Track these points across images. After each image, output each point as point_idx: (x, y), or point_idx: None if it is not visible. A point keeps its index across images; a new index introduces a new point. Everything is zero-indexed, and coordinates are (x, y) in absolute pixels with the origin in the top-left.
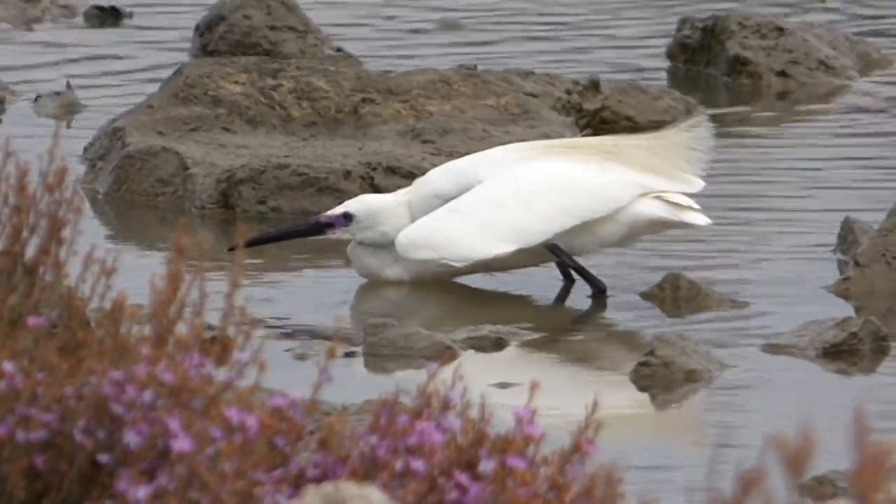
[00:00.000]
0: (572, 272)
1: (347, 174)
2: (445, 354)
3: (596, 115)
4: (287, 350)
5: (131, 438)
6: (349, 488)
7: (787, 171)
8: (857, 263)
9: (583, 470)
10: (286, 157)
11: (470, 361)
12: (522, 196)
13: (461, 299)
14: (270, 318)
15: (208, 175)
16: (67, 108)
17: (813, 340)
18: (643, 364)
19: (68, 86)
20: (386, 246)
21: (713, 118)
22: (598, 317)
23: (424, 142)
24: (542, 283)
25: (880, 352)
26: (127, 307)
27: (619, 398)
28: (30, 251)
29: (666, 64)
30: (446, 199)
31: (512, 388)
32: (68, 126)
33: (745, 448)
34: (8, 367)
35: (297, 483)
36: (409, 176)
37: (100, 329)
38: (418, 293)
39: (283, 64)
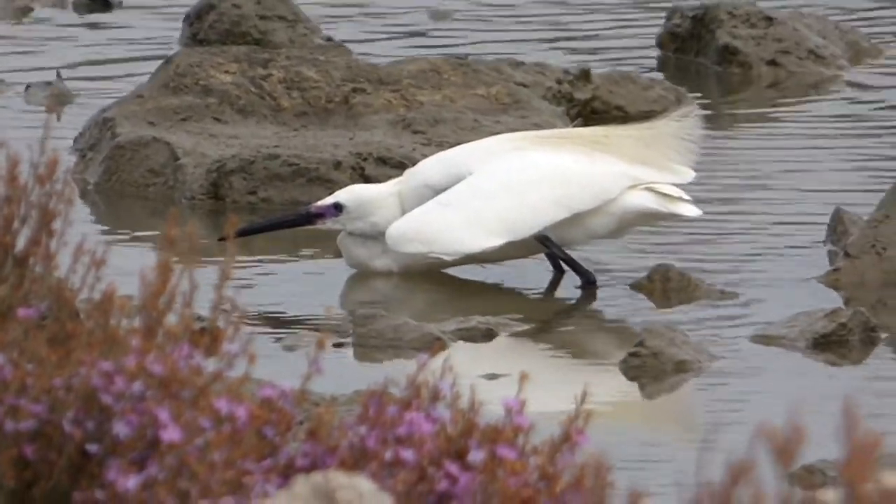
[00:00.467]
0: (562, 263)
1: (338, 164)
2: (435, 345)
3: (587, 104)
4: (276, 341)
5: (121, 429)
6: (338, 478)
7: (777, 161)
8: (846, 254)
9: (572, 460)
10: (276, 147)
11: (459, 352)
12: (512, 188)
13: (451, 290)
14: (259, 308)
15: (199, 165)
16: (57, 99)
17: (803, 331)
18: (633, 355)
19: (58, 76)
20: (376, 237)
21: (703, 108)
22: (588, 308)
23: (415, 132)
24: (532, 274)
25: (870, 342)
26: (116, 298)
27: (609, 388)
28: (20, 242)
29: (656, 53)
30: (437, 190)
31: (501, 379)
32: (58, 116)
33: (734, 438)
34: None
35: (287, 473)
36: (400, 166)
37: (89, 320)
38: (408, 284)
39: (273, 54)
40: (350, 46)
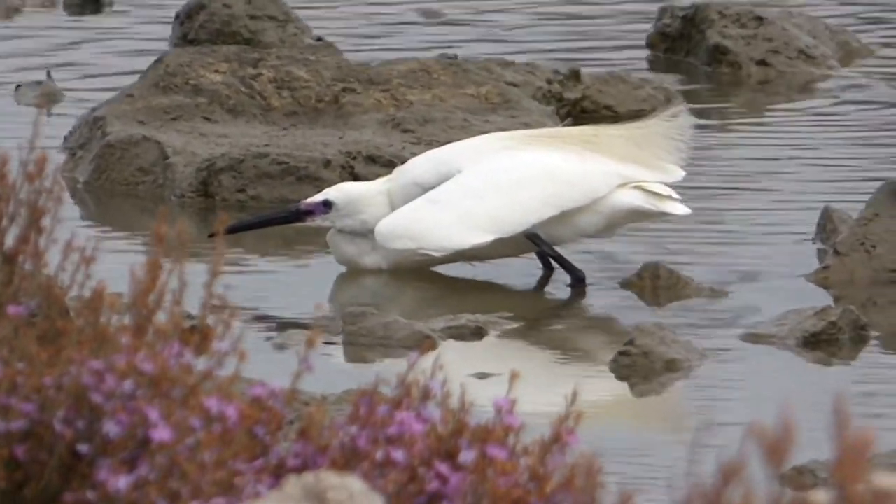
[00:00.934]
0: (552, 261)
1: (327, 163)
2: (425, 344)
3: (576, 104)
4: (267, 339)
5: (111, 428)
6: (329, 478)
7: (766, 161)
8: (836, 252)
9: (563, 460)
10: (266, 146)
11: (449, 351)
12: (501, 186)
13: (440, 288)
14: (249, 306)
15: (188, 164)
16: (48, 97)
17: (793, 329)
18: (623, 353)
19: (48, 75)
20: (365, 234)
21: (693, 107)
22: (578, 306)
23: (405, 131)
24: (522, 272)
25: (860, 341)
26: (106, 296)
27: (599, 388)
28: (9, 240)
29: (646, 53)
30: (426, 188)
31: (491, 378)
32: (48, 115)
33: (725, 437)
34: None
35: (278, 473)
36: (390, 165)
37: (79, 318)
38: (398, 282)
39: (263, 53)
40: (340, 46)
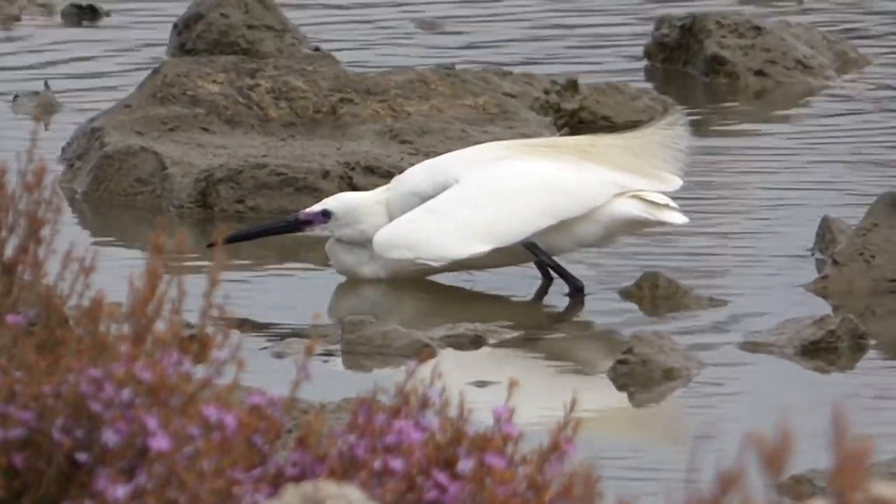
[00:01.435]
0: (550, 270)
1: (326, 174)
2: (423, 352)
3: (574, 115)
4: (265, 348)
5: (109, 437)
6: (328, 487)
7: (764, 171)
8: (835, 262)
9: (561, 468)
10: (264, 156)
11: (448, 360)
12: (498, 196)
13: (439, 297)
14: (248, 315)
15: (186, 175)
16: (45, 108)
17: (791, 338)
18: (621, 362)
19: (46, 85)
20: (364, 244)
21: (691, 117)
22: (576, 315)
23: (402, 142)
24: (520, 281)
25: (858, 350)
26: (105, 305)
27: (598, 396)
28: (9, 250)
29: (644, 63)
30: (424, 198)
31: (490, 387)
32: (46, 126)
33: (723, 446)
34: None
35: (276, 482)
36: (388, 175)
37: (78, 327)
38: (396, 291)
39: (261, 64)
40: (338, 56)
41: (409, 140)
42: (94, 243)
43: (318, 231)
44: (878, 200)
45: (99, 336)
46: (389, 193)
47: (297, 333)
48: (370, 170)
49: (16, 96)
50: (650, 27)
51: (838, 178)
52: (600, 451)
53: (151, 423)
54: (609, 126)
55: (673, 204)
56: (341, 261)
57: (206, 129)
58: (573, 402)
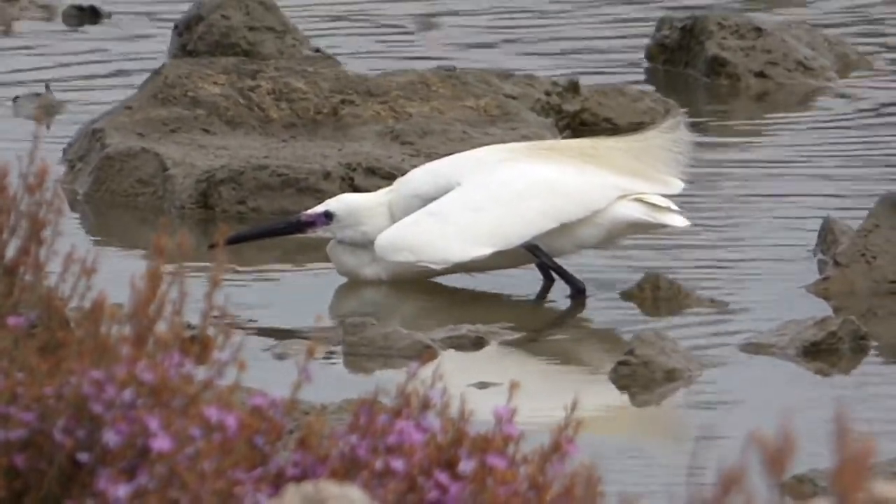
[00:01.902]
0: (552, 272)
1: (327, 175)
2: (425, 354)
3: (575, 116)
4: (266, 349)
5: (111, 438)
6: (329, 488)
7: (766, 172)
8: (836, 263)
9: (563, 469)
10: (266, 157)
11: (449, 361)
12: (500, 199)
13: (441, 299)
14: (249, 316)
15: (188, 176)
16: (46, 110)
17: (793, 339)
18: (623, 363)
19: (47, 87)
20: (366, 245)
21: (692, 119)
22: (578, 316)
23: (404, 143)
24: (522, 282)
25: (860, 351)
26: (107, 307)
27: (599, 397)
28: (10, 251)
29: (645, 65)
30: (426, 200)
31: (491, 388)
32: (47, 127)
33: (725, 447)
34: None
35: (277, 482)
36: (389, 177)
37: (80, 329)
38: (398, 293)
39: (262, 65)
40: (339, 58)
41: (410, 141)
42: (96, 244)
43: (319, 232)
44: (880, 201)
45: (100, 337)
46: (392, 195)
47: (299, 335)
48: (371, 171)
49: (17, 98)
50: (652, 28)
51: (840, 179)
52: (601, 451)
53: (153, 423)
54: (611, 128)
55: (674, 207)
56: (343, 262)
57: (207, 131)
58: (574, 403)
